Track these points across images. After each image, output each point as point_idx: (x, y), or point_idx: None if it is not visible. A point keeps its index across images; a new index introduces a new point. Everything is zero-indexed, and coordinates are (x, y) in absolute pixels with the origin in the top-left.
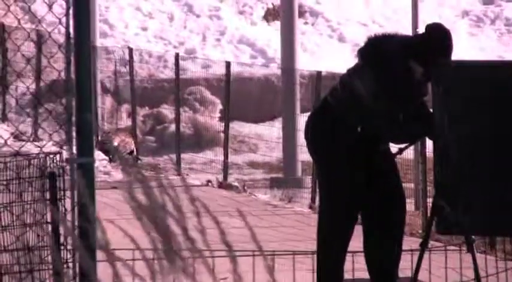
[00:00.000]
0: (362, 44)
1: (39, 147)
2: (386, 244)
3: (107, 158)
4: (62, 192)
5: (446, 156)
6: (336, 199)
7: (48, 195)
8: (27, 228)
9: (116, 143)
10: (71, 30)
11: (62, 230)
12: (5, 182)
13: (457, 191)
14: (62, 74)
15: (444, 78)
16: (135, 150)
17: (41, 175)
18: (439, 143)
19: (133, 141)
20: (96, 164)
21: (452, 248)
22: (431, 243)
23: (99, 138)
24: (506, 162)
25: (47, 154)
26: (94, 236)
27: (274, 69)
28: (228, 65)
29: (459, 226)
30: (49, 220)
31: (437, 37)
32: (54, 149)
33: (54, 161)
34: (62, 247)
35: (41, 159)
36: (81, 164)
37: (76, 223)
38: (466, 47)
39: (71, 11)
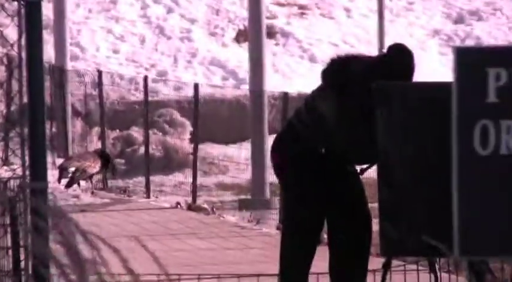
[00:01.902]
0: (326, 65)
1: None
2: (353, 265)
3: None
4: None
5: (390, 177)
6: (297, 221)
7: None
8: None
9: (72, 169)
10: (23, 55)
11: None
12: None
13: (400, 212)
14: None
15: (386, 99)
16: (95, 173)
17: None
18: (382, 164)
19: (96, 164)
20: (63, 187)
21: (413, 267)
22: (396, 263)
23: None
24: (447, 182)
25: (8, 179)
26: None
27: (245, 90)
28: (196, 86)
29: (403, 247)
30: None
31: (397, 57)
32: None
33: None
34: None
35: (1, 184)
36: (35, 188)
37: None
38: (437, 66)
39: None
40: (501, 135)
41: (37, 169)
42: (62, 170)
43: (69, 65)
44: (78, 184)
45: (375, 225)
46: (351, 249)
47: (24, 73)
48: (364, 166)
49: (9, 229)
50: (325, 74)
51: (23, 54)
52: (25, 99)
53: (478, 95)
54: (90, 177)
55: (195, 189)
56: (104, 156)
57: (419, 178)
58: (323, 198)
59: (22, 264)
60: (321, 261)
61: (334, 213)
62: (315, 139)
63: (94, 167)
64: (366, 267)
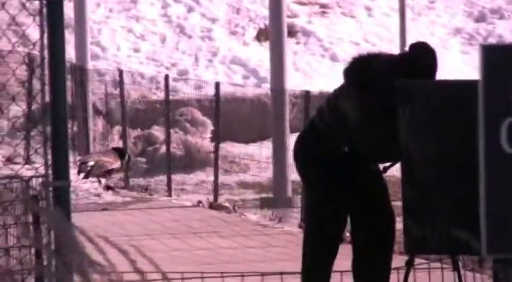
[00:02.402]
0: (348, 64)
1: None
2: (377, 263)
3: (96, 180)
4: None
5: (413, 175)
6: (320, 220)
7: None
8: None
9: (91, 163)
10: (45, 54)
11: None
12: None
13: (423, 210)
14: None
15: (408, 98)
16: (115, 169)
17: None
18: (406, 162)
19: (115, 162)
20: (87, 186)
21: (437, 265)
22: (419, 261)
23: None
24: (471, 181)
25: (31, 177)
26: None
27: (266, 89)
28: (217, 85)
29: (427, 245)
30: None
31: (420, 56)
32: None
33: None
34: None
35: (23, 183)
36: (57, 187)
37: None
38: (459, 65)
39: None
40: None
41: (59, 168)
42: (81, 164)
43: (90, 64)
44: (100, 182)
45: (399, 224)
46: (373, 247)
47: (46, 72)
48: (387, 164)
49: (31, 227)
50: (347, 72)
51: (45, 54)
52: (47, 99)
53: (505, 93)
54: (109, 172)
55: (216, 188)
56: (119, 151)
57: (443, 176)
58: (346, 197)
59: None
60: (344, 259)
61: (357, 212)
62: (337, 138)
63: (113, 163)
64: (389, 265)
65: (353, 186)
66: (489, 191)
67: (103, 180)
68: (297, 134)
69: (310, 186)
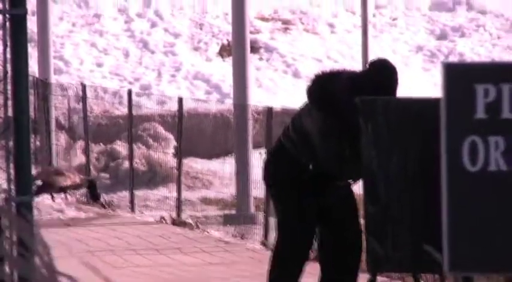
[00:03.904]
0: (309, 83)
1: None
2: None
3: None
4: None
5: (375, 193)
6: (289, 236)
7: None
8: None
9: (39, 182)
10: (8, 68)
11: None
12: None
13: (385, 227)
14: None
15: (370, 115)
16: (71, 186)
17: None
18: (367, 180)
19: (72, 178)
20: (49, 201)
21: None
22: (381, 279)
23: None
24: (432, 197)
25: None
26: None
27: (229, 105)
28: (180, 100)
29: (389, 263)
30: None
31: (379, 73)
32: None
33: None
34: None
35: None
36: (20, 202)
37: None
38: (420, 82)
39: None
40: (490, 151)
41: (22, 183)
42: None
43: (53, 78)
44: (52, 198)
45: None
46: (341, 266)
47: (9, 86)
48: (351, 181)
49: None
50: (309, 91)
51: (8, 68)
52: (10, 113)
53: (466, 111)
54: (63, 189)
55: (179, 204)
56: (90, 184)
57: (404, 194)
58: (313, 212)
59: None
60: (309, 277)
61: (325, 229)
62: (303, 156)
63: (67, 179)
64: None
65: (321, 204)
66: (451, 208)
67: (58, 196)
68: (260, 150)
69: (280, 203)
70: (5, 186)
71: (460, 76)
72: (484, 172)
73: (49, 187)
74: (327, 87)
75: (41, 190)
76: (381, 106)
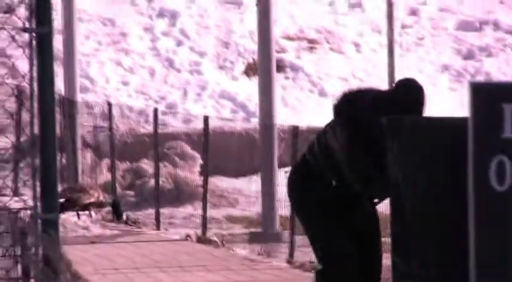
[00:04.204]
0: (336, 100)
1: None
2: None
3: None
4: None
5: (401, 211)
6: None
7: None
8: None
9: (61, 200)
10: (35, 86)
11: None
12: None
13: (411, 245)
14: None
15: (396, 134)
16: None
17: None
18: (394, 198)
19: (93, 195)
20: (75, 219)
21: None
22: None
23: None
24: (459, 216)
25: (19, 209)
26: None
27: (255, 123)
28: (206, 119)
29: (413, 281)
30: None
31: (407, 92)
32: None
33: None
34: None
35: (12, 215)
36: (46, 219)
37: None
38: (447, 102)
39: (34, 67)
40: None
41: (48, 200)
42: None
43: (79, 96)
44: (78, 216)
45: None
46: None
47: (35, 104)
48: (376, 200)
49: (19, 260)
50: (336, 108)
51: (35, 86)
52: (36, 130)
53: (494, 131)
54: (86, 207)
55: (204, 222)
56: (114, 203)
57: (431, 212)
58: (344, 230)
59: None
60: None
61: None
62: (326, 172)
63: (90, 197)
64: None
65: (345, 218)
66: (478, 228)
67: (83, 213)
68: (285, 169)
69: (307, 220)
70: (31, 203)
71: (488, 95)
72: None
73: (73, 204)
74: (353, 106)
75: (64, 207)
76: (408, 125)
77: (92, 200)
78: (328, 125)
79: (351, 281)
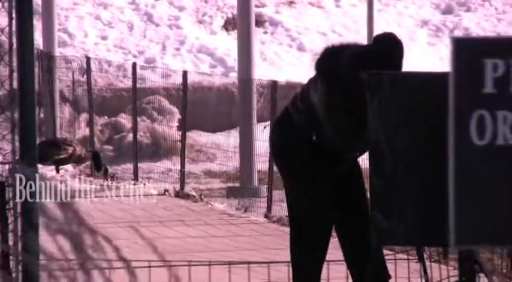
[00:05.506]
0: (318, 55)
1: None
2: (367, 249)
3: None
4: (11, 203)
5: (381, 167)
6: (306, 210)
7: None
8: None
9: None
10: (14, 40)
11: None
12: None
13: (390, 202)
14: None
15: (376, 89)
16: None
17: None
18: (373, 154)
19: (61, 152)
20: (53, 173)
21: (403, 257)
22: (385, 252)
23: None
24: (439, 172)
25: None
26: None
27: (234, 78)
28: (184, 74)
29: (394, 236)
30: None
31: (384, 47)
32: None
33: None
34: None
35: None
36: (25, 174)
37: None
38: (425, 57)
39: (13, 21)
40: (498, 125)
41: (27, 154)
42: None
43: (57, 51)
44: (57, 170)
45: None
46: (357, 241)
47: (14, 59)
48: (356, 154)
49: None
50: (317, 64)
51: (14, 40)
52: (15, 85)
53: (475, 86)
54: (62, 161)
55: (182, 177)
56: (95, 157)
57: (411, 168)
58: (325, 184)
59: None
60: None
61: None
62: (308, 126)
63: (57, 153)
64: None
65: (328, 178)
66: (458, 182)
67: (71, 168)
68: (264, 123)
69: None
70: (9, 157)
71: (469, 51)
72: (492, 146)
73: (44, 159)
74: (334, 61)
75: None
76: (388, 80)
77: (65, 155)
78: (310, 80)
79: (316, 237)
